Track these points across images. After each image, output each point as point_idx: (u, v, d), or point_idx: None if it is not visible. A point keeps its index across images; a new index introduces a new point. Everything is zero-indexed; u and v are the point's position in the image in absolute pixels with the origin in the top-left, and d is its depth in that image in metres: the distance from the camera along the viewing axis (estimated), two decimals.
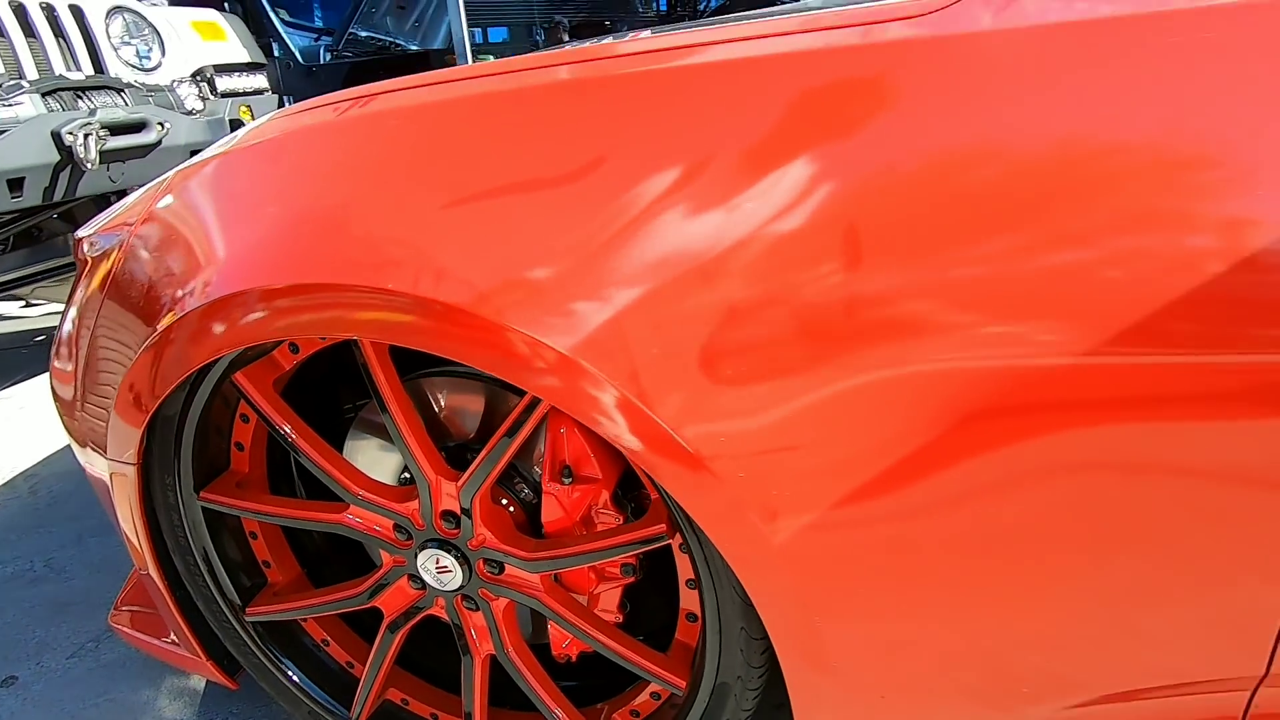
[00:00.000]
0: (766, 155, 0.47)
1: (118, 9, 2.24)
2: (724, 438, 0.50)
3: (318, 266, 0.57)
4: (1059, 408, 0.46)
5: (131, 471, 0.75)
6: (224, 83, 2.45)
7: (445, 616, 0.78)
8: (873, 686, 0.59)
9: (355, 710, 0.84)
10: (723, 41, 0.52)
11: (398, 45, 5.58)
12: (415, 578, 0.75)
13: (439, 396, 0.76)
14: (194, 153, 2.27)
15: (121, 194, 2.26)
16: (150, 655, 0.99)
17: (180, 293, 0.65)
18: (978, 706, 0.59)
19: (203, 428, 0.75)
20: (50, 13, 2.08)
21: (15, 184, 1.81)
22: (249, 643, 0.86)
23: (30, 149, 1.81)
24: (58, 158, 1.86)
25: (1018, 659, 0.56)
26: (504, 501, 0.74)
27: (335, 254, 0.56)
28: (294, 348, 0.71)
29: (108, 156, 1.96)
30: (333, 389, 0.85)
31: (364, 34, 5.39)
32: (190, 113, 2.28)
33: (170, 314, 0.65)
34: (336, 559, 0.92)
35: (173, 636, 0.91)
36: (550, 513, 0.70)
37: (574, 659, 0.79)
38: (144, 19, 2.31)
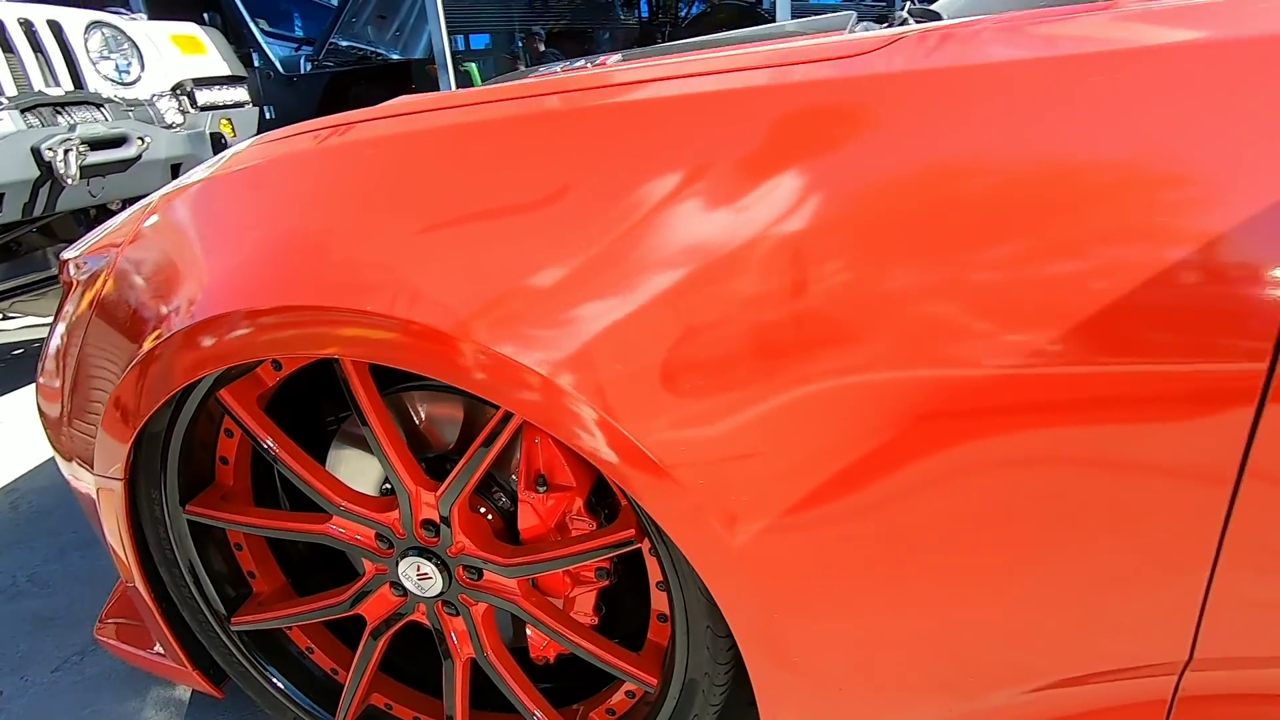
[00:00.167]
0: (715, 185, 0.51)
1: (96, 24, 2.25)
2: (684, 447, 0.54)
3: (300, 289, 0.60)
4: (989, 414, 0.50)
5: (118, 486, 0.77)
6: (204, 96, 2.46)
7: (426, 622, 0.80)
8: (834, 680, 0.62)
9: (340, 715, 0.86)
10: (675, 77, 0.56)
11: (379, 54, 5.59)
12: (397, 585, 0.78)
13: (419, 409, 0.79)
14: (174, 167, 2.29)
15: (101, 208, 2.26)
16: (136, 667, 1.00)
17: (166, 313, 0.67)
18: (938, 695, 0.63)
19: (188, 443, 0.77)
20: (29, 28, 2.09)
21: None
22: (235, 652, 0.88)
23: (10, 165, 1.82)
24: (37, 173, 1.86)
25: (970, 649, 0.60)
26: (482, 510, 0.77)
27: (316, 277, 0.59)
28: (277, 365, 0.73)
29: (88, 171, 1.97)
30: (315, 402, 0.88)
31: (345, 43, 5.40)
32: (170, 126, 2.29)
33: (156, 334, 0.67)
34: (320, 568, 0.95)
35: (158, 647, 0.93)
36: (526, 520, 0.73)
37: (552, 661, 0.82)
38: (123, 33, 2.32)
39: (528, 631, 0.80)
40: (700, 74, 0.55)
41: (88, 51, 2.19)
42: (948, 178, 0.47)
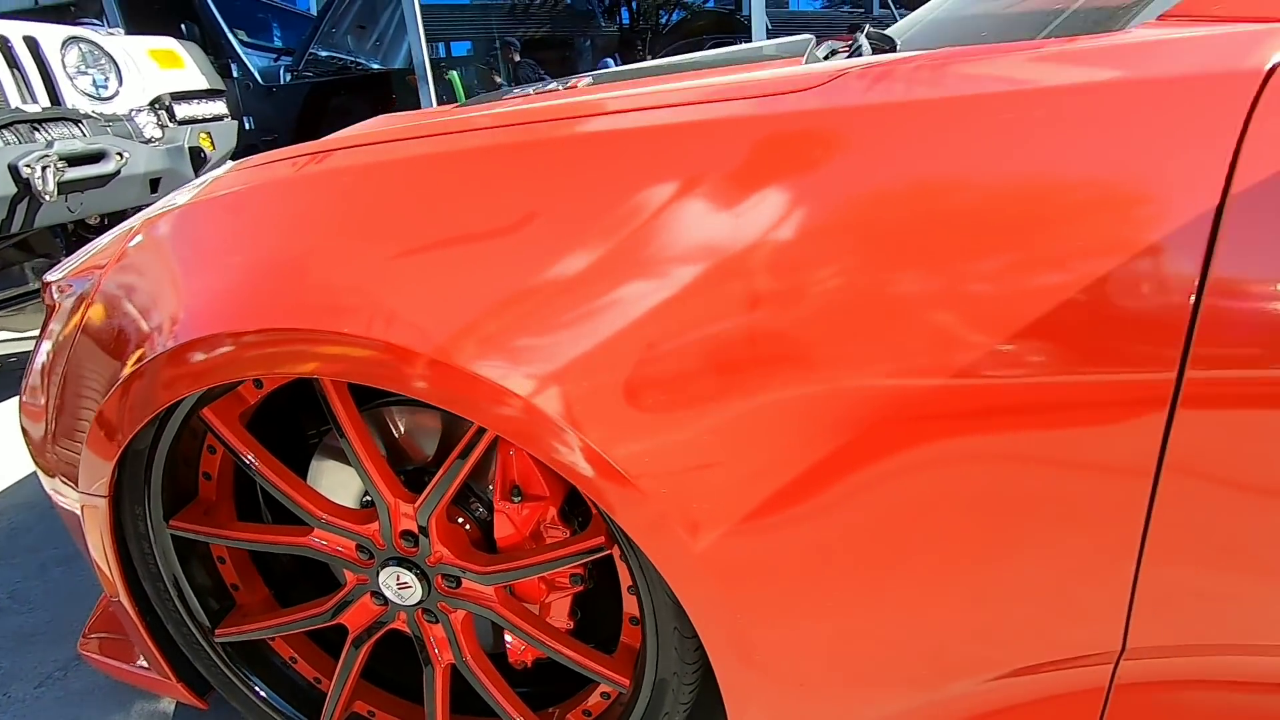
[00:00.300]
0: (668, 214, 0.54)
1: (73, 39, 2.25)
2: (647, 459, 0.57)
3: (280, 311, 0.62)
4: (930, 422, 0.54)
5: (103, 504, 0.79)
6: (183, 110, 2.46)
7: (407, 630, 0.83)
8: (796, 677, 0.66)
9: None
10: (629, 110, 0.60)
11: (359, 64, 5.60)
12: (377, 594, 0.81)
13: (398, 423, 0.82)
14: (153, 181, 2.29)
15: (79, 223, 2.26)
16: (120, 680, 1.02)
17: (150, 335, 0.70)
18: (897, 688, 0.66)
19: (171, 460, 0.80)
20: (4, 45, 2.08)
21: None
22: (219, 663, 0.90)
23: None
24: (15, 190, 1.86)
25: (923, 644, 0.63)
26: (460, 520, 0.80)
27: (296, 300, 0.62)
28: (258, 383, 0.76)
29: (66, 187, 1.97)
30: (296, 416, 0.90)
31: (324, 54, 5.42)
32: (149, 141, 2.29)
33: (140, 355, 0.69)
34: (302, 579, 0.97)
35: (142, 660, 0.94)
36: (502, 529, 0.76)
37: (530, 665, 0.85)
38: (100, 48, 2.32)
39: (506, 637, 0.83)
40: (652, 107, 0.59)
41: (65, 67, 2.19)
42: (881, 207, 0.51)
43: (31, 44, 2.15)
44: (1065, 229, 0.50)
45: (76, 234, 2.40)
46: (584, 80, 1.00)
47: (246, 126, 5.01)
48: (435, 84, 4.87)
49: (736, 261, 0.53)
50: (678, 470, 0.57)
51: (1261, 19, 0.49)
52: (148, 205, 2.34)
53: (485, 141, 0.62)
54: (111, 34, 2.45)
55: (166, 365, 0.68)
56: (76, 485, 0.80)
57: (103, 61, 2.31)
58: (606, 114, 0.61)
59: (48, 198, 1.88)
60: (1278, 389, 0.49)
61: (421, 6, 5.20)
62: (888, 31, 1.02)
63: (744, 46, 1.28)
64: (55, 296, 0.82)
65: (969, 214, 0.50)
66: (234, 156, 2.87)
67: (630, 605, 0.75)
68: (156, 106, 2.37)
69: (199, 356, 0.66)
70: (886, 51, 0.87)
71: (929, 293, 0.50)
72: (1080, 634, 0.61)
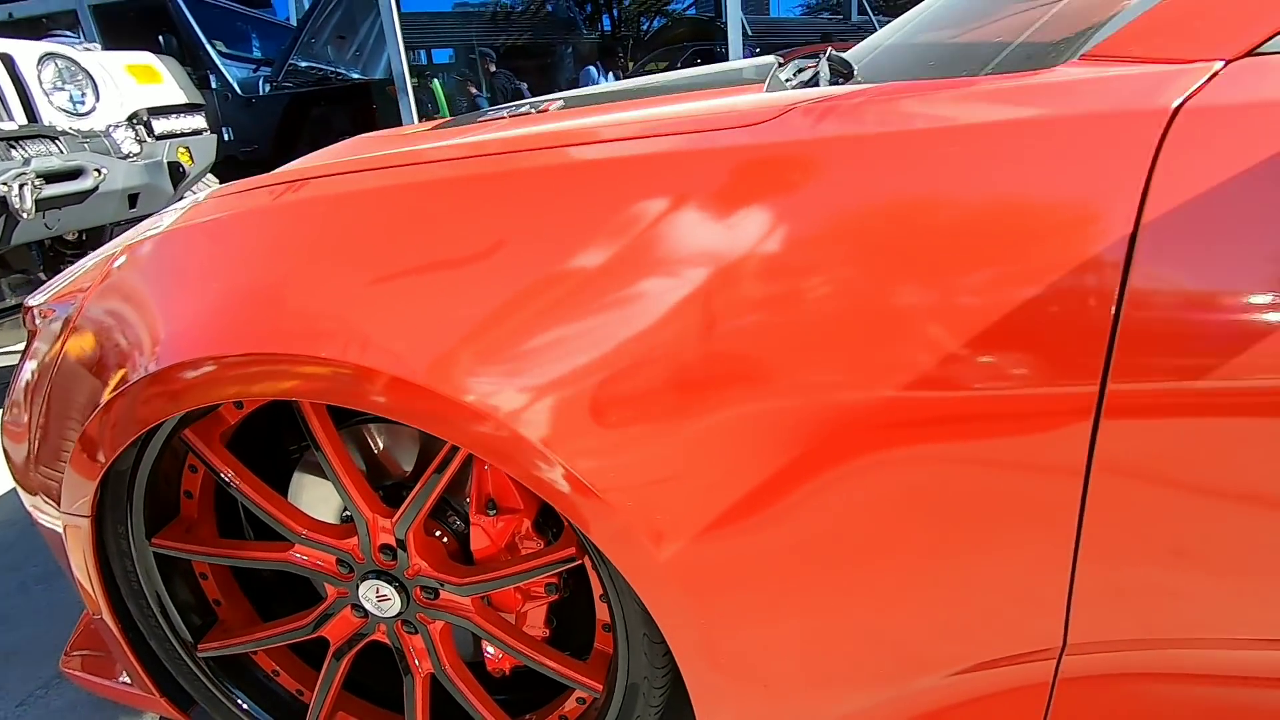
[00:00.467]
0: (629, 241, 0.58)
1: (49, 56, 2.25)
2: (612, 473, 0.60)
3: (259, 336, 0.65)
4: (877, 433, 0.57)
5: (85, 523, 0.80)
6: (161, 125, 2.46)
7: (387, 641, 0.85)
8: (760, 679, 0.69)
9: None
10: (593, 142, 0.63)
11: (339, 75, 5.60)
12: (358, 607, 0.83)
13: (377, 440, 0.85)
14: (132, 196, 2.29)
15: (58, 239, 2.25)
16: (102, 697, 1.03)
17: (132, 359, 0.72)
18: (858, 686, 0.70)
19: (153, 479, 0.81)
20: None
21: None
22: (202, 678, 0.92)
23: None
24: None
25: (881, 642, 0.67)
26: (437, 533, 0.82)
27: (274, 325, 0.65)
28: (238, 403, 0.78)
29: (43, 204, 1.97)
30: (276, 432, 0.92)
31: (304, 64, 5.41)
32: (127, 156, 2.29)
33: (123, 378, 0.72)
34: (284, 593, 0.98)
35: (125, 676, 0.96)
36: (478, 542, 0.79)
37: (508, 673, 0.88)
38: (77, 64, 2.32)
39: (486, 647, 0.86)
40: (611, 140, 0.62)
41: (41, 84, 2.19)
42: (823, 238, 0.55)
43: (7, 61, 2.15)
44: (995, 256, 0.53)
45: (54, 250, 2.39)
46: (555, 104, 1.03)
47: (225, 138, 4.99)
48: (415, 94, 4.89)
49: (691, 288, 0.56)
50: (641, 484, 0.60)
51: (1169, 60, 0.53)
52: (126, 220, 2.34)
53: (455, 172, 0.65)
54: (88, 49, 2.45)
55: (148, 388, 0.70)
56: (58, 504, 0.82)
57: (79, 77, 2.31)
58: (569, 145, 0.64)
59: (25, 215, 1.88)
60: (1193, 397, 0.53)
61: (402, 15, 5.21)
62: (849, 54, 1.06)
63: (724, 67, 1.32)
64: (38, 322, 0.83)
65: (904, 244, 0.54)
66: (213, 169, 2.87)
67: (602, 613, 0.78)
68: (134, 122, 2.37)
69: (180, 380, 0.68)
70: (845, 76, 0.91)
71: (870, 316, 0.54)
72: (1024, 632, 0.65)
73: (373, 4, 4.94)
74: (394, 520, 0.76)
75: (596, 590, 0.77)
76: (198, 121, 2.62)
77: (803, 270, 0.55)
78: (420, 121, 4.79)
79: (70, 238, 2.23)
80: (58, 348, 0.79)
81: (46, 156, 2.02)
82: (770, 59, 1.30)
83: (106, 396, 0.72)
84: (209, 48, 4.99)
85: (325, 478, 0.85)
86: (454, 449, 0.72)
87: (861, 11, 8.08)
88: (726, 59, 5.09)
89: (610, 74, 6.35)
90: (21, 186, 1.84)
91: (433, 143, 0.79)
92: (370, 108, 5.40)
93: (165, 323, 0.72)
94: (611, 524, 0.62)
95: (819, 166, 0.56)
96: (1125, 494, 0.57)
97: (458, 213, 0.63)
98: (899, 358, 0.55)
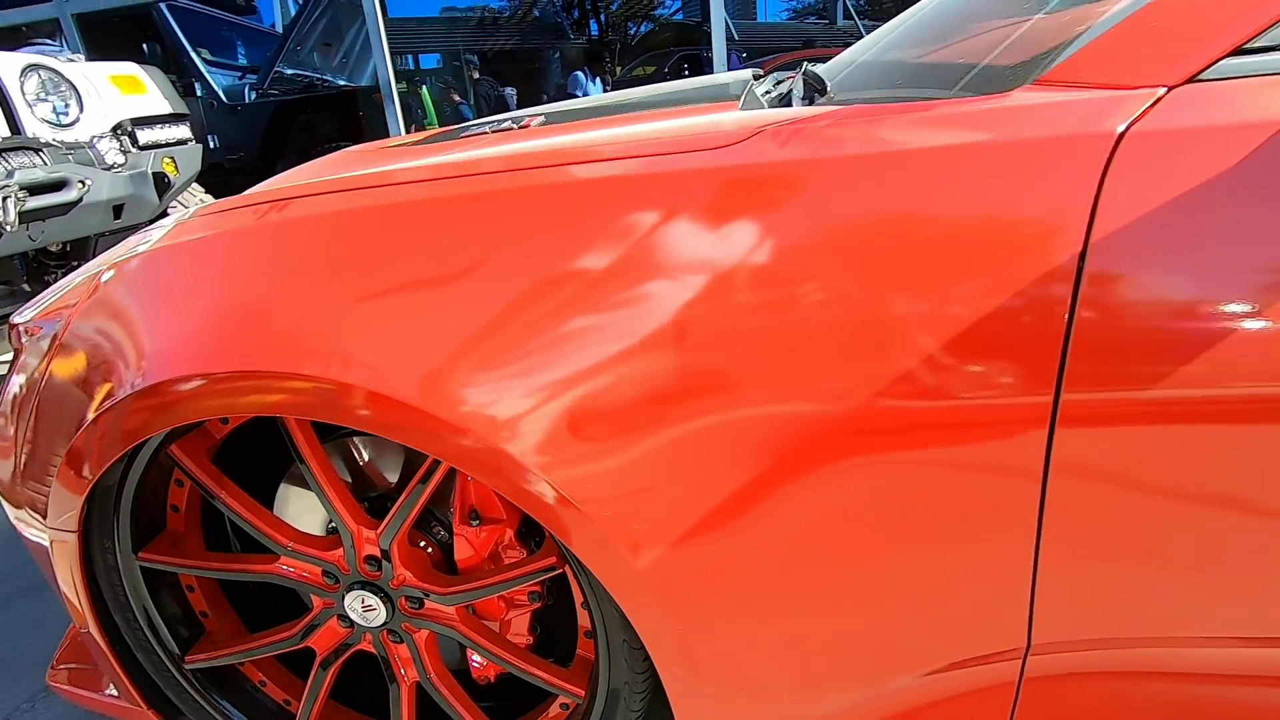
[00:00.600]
0: (604, 261, 0.60)
1: (33, 67, 2.24)
2: (590, 485, 0.62)
3: (244, 354, 0.66)
4: (842, 442, 0.59)
5: (72, 538, 0.81)
6: (145, 135, 2.46)
7: (373, 650, 0.87)
8: (736, 682, 0.71)
9: None
10: (569, 164, 0.65)
11: (325, 82, 5.60)
12: (344, 617, 0.84)
13: (362, 452, 0.86)
14: (117, 207, 2.29)
15: (42, 250, 2.25)
16: (89, 709, 1.03)
17: (118, 376, 0.73)
18: (832, 688, 0.72)
19: (140, 493, 0.82)
20: None
21: None
22: (189, 689, 0.93)
23: None
24: None
25: (852, 645, 0.69)
26: (422, 544, 0.84)
27: (259, 343, 0.66)
28: (224, 419, 0.79)
29: (27, 216, 1.96)
30: (262, 444, 0.93)
31: (290, 72, 5.40)
32: (111, 167, 2.29)
33: (110, 395, 0.73)
34: (271, 604, 1.00)
35: (112, 689, 0.96)
36: (462, 551, 0.81)
37: (493, 680, 0.89)
38: (60, 75, 2.31)
39: (469, 654, 0.87)
40: (585, 161, 0.64)
41: (24, 95, 2.19)
42: (789, 256, 0.57)
43: None
44: (955, 273, 0.56)
45: (38, 261, 2.38)
46: (537, 119, 1.05)
47: (211, 145, 4.98)
48: (402, 101, 4.89)
49: (663, 305, 0.58)
50: (618, 495, 0.62)
51: (1116, 86, 0.56)
52: (111, 231, 2.33)
53: (434, 193, 0.67)
54: (72, 60, 2.45)
55: (134, 405, 0.71)
56: (45, 518, 0.83)
57: (63, 88, 2.30)
58: (545, 167, 0.66)
59: (9, 228, 1.88)
60: (1143, 404, 0.56)
61: (389, 20, 5.22)
62: (824, 69, 1.09)
63: (708, 80, 1.34)
64: (24, 339, 0.84)
65: (866, 262, 0.56)
66: (199, 177, 2.86)
67: (584, 620, 0.80)
68: (118, 132, 2.37)
69: (166, 397, 0.69)
70: (818, 92, 0.93)
71: (833, 331, 0.56)
72: (989, 633, 0.67)
73: (358, 11, 4.94)
74: (379, 532, 0.78)
75: (578, 598, 0.79)
76: (183, 131, 2.62)
77: (769, 288, 0.57)
78: (406, 130, 4.80)
79: (54, 249, 2.22)
80: (44, 364, 0.80)
81: (30, 169, 2.02)
82: (748, 74, 1.33)
83: (93, 413, 0.74)
84: (194, 55, 4.98)
85: (311, 490, 0.86)
86: (437, 462, 0.74)
87: (847, 16, 8.16)
88: (712, 63, 5.13)
89: (597, 79, 6.38)
90: (5, 199, 1.84)
91: (413, 162, 0.80)
92: (357, 114, 5.40)
93: (151, 340, 0.73)
94: (590, 534, 0.63)
95: (785, 188, 0.58)
96: (1081, 499, 0.60)
97: (437, 233, 0.64)
98: (862, 370, 0.57)
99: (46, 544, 0.85)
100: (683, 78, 7.09)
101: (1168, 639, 0.67)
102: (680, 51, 7.50)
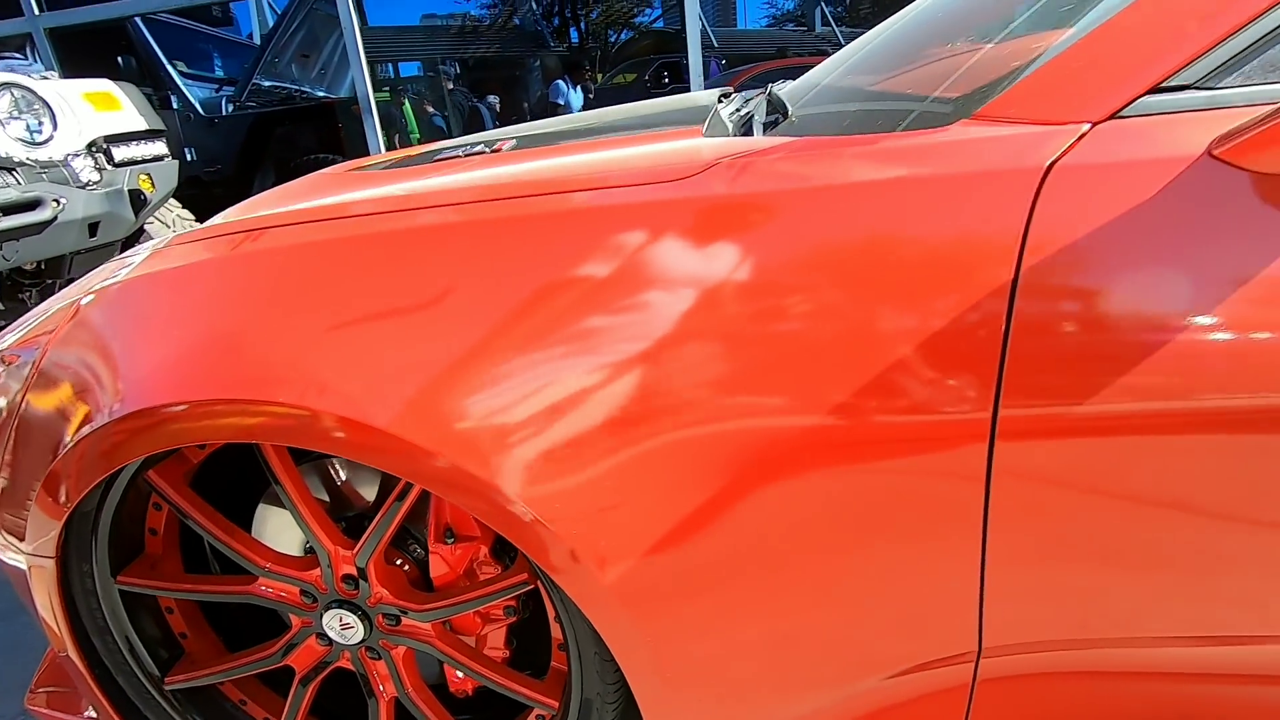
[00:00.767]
0: (567, 290, 0.62)
1: (5, 85, 2.23)
2: (559, 504, 0.64)
3: (220, 383, 0.68)
4: (795, 459, 0.62)
5: (50, 564, 0.82)
6: (121, 152, 2.46)
7: (352, 667, 0.88)
8: (707, 690, 0.74)
9: None
10: (535, 195, 0.68)
11: (304, 94, 5.59)
12: (322, 635, 0.86)
13: (339, 472, 0.88)
14: (92, 225, 2.28)
15: (16, 269, 2.23)
16: None
17: (96, 404, 0.74)
18: (796, 692, 0.74)
19: (117, 517, 0.84)
20: None
21: None
22: (169, 710, 0.94)
23: None
24: None
25: (814, 650, 0.72)
26: (399, 561, 0.86)
27: (235, 372, 0.68)
28: (201, 445, 0.81)
29: (0, 237, 1.96)
30: (240, 465, 0.95)
31: (268, 84, 5.38)
32: (86, 185, 2.29)
33: (87, 423, 0.74)
34: (250, 623, 1.01)
35: (91, 712, 0.97)
36: (437, 569, 0.83)
37: (471, 693, 0.91)
38: (33, 93, 2.31)
39: (447, 668, 0.89)
40: (552, 193, 0.67)
41: None
42: (741, 286, 0.60)
43: None
44: (899, 298, 0.59)
45: (12, 280, 2.37)
46: (508, 143, 1.08)
47: (188, 158, 4.94)
48: (380, 112, 4.89)
49: (622, 332, 0.61)
50: (585, 513, 0.64)
51: (1045, 122, 0.60)
52: (86, 249, 2.32)
53: (404, 224, 0.70)
54: (45, 78, 2.44)
55: (112, 433, 0.73)
56: (22, 544, 0.84)
57: (36, 106, 2.30)
58: (510, 199, 0.68)
59: None
60: (1077, 416, 0.59)
61: (368, 29, 5.22)
62: (789, 91, 1.12)
63: (684, 99, 1.37)
64: (2, 367, 0.85)
65: (817, 289, 0.60)
66: (177, 190, 2.85)
67: (557, 633, 0.82)
68: (93, 150, 2.36)
69: (143, 424, 0.71)
70: (781, 116, 0.96)
71: (785, 353, 0.59)
72: (942, 638, 0.70)
73: (337, 22, 4.94)
74: (355, 551, 0.80)
75: (551, 611, 0.81)
76: (159, 147, 2.62)
77: (721, 317, 0.60)
78: (387, 142, 4.80)
79: (29, 268, 2.21)
80: (22, 391, 0.81)
81: (3, 188, 2.01)
82: (717, 93, 1.36)
83: (70, 440, 0.75)
84: (170, 68, 4.95)
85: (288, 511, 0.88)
86: (411, 483, 0.76)
87: (825, 23, 8.28)
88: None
89: (578, 87, 6.41)
90: None
91: (383, 190, 0.83)
92: (336, 126, 5.39)
93: (129, 368, 0.74)
94: (559, 551, 0.66)
95: (737, 221, 0.61)
96: (1021, 509, 0.63)
97: (406, 264, 0.67)
98: (812, 390, 0.60)
99: (24, 568, 0.86)
100: (663, 85, 7.16)
101: (1124, 639, 0.70)
102: (660, 59, 7.56)
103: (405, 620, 0.83)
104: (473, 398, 0.63)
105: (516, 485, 0.64)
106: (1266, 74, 0.57)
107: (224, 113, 5.21)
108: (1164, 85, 0.58)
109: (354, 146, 5.16)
